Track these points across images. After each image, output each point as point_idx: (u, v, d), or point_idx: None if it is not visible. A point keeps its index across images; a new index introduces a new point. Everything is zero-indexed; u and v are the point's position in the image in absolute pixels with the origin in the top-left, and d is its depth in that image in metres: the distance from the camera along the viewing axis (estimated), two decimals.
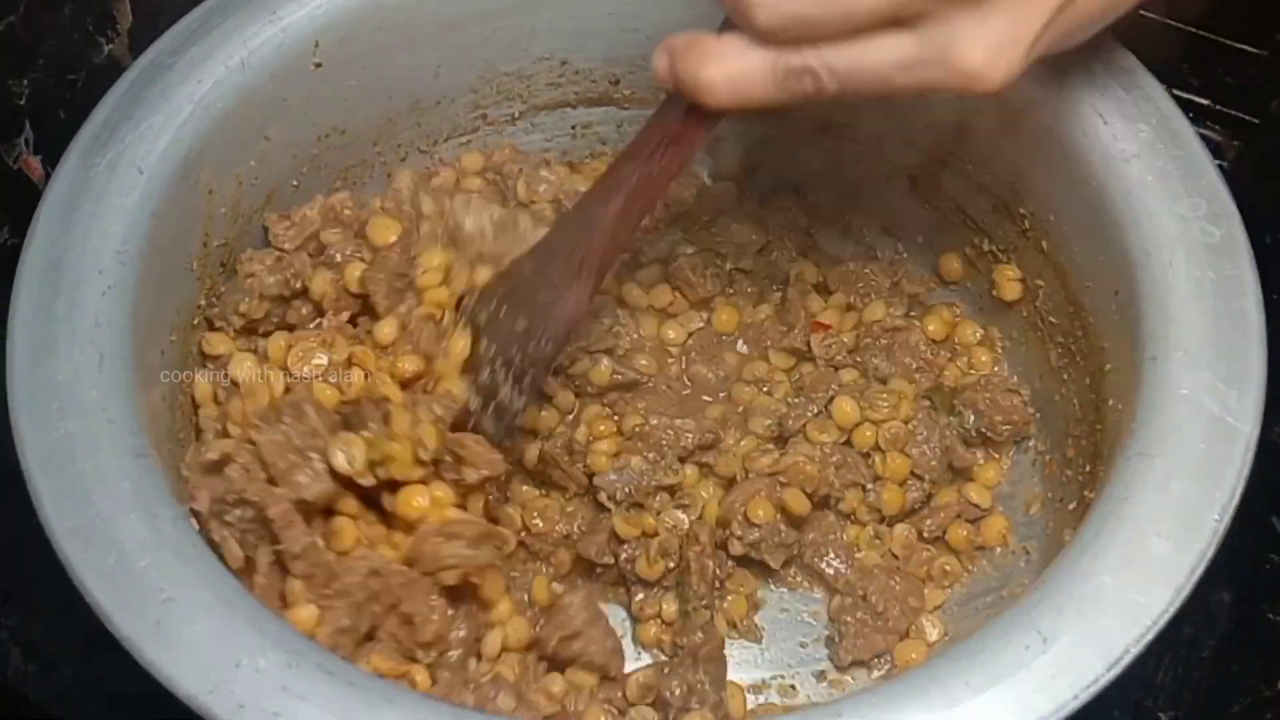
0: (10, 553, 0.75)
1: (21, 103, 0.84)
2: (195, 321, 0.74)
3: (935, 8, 0.56)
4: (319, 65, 0.77)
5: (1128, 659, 0.56)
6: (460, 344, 0.72)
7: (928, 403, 0.80)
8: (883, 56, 0.57)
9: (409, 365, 0.72)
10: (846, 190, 0.87)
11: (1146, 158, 0.69)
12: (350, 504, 0.68)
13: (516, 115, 0.88)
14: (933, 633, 0.76)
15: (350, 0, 0.77)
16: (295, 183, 0.80)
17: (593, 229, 0.69)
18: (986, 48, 0.57)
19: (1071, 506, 0.74)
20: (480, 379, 0.72)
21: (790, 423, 0.78)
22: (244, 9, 0.74)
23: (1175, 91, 0.72)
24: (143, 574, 0.57)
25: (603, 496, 0.76)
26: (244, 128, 0.74)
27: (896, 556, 0.78)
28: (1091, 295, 0.73)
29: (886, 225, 0.88)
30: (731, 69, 0.60)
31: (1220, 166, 0.70)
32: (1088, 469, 0.72)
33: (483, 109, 0.87)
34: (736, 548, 0.75)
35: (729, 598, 0.76)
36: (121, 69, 0.72)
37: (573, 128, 0.90)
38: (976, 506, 0.79)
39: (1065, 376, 0.78)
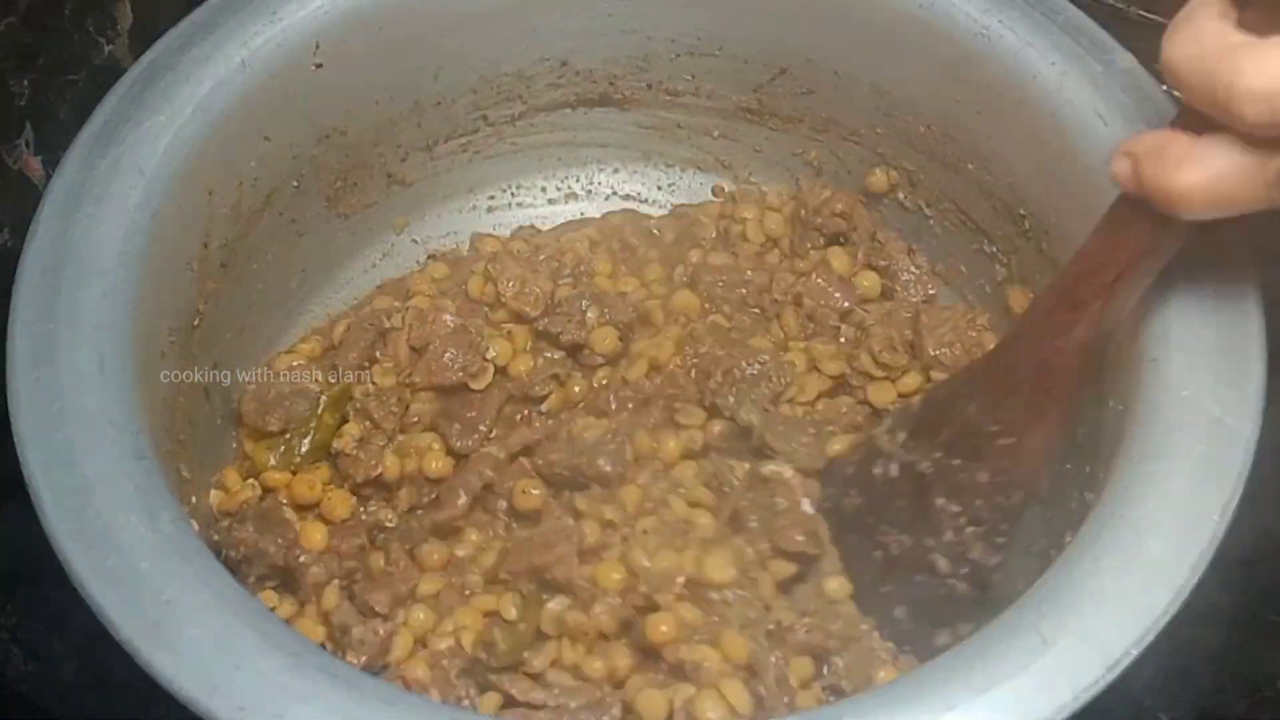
0: (11, 553, 0.75)
1: (22, 103, 0.84)
2: (195, 323, 0.74)
3: None
4: (319, 66, 0.77)
5: (1128, 660, 0.56)
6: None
7: None
8: None
9: None
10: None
11: None
12: None
13: (516, 116, 0.88)
14: None
15: (351, 1, 0.77)
16: (295, 183, 0.80)
17: (1054, 361, 0.63)
18: None
19: (1071, 507, 0.74)
20: (945, 539, 0.67)
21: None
22: (244, 10, 0.74)
23: (1176, 92, 0.72)
24: (143, 575, 0.57)
25: None
26: (244, 128, 0.74)
27: None
28: None
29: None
30: (1212, 173, 0.53)
31: None
32: (1088, 470, 0.72)
33: (483, 110, 0.87)
34: None
35: None
36: (122, 69, 0.72)
37: (573, 128, 0.90)
38: None
39: None
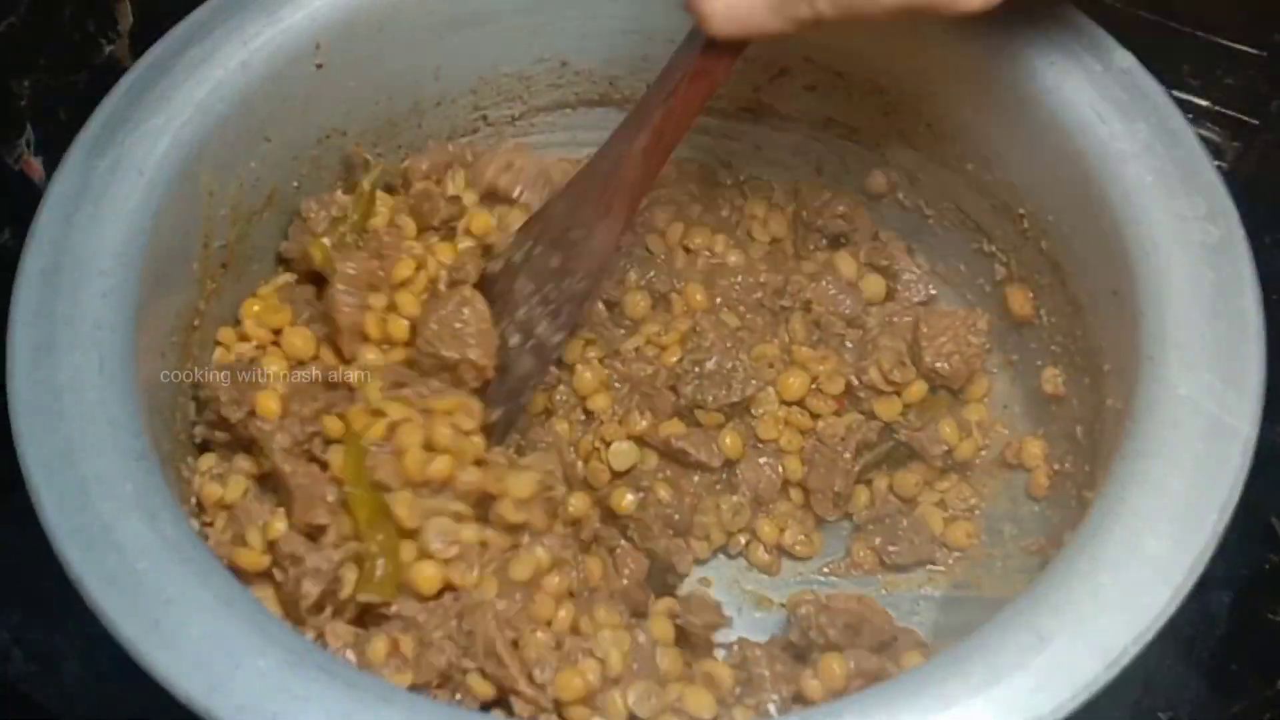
0: (11, 553, 0.75)
1: (22, 103, 0.84)
2: (195, 323, 0.74)
3: None
4: (320, 66, 0.77)
5: (1126, 659, 0.56)
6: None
7: None
8: None
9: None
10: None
11: (1145, 157, 0.69)
12: None
13: (516, 116, 0.88)
14: None
15: (351, 1, 0.77)
16: (296, 184, 0.80)
17: (620, 165, 0.71)
18: None
19: (1070, 506, 0.74)
20: (518, 315, 0.75)
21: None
22: (245, 10, 0.74)
23: (1175, 92, 0.72)
24: (143, 575, 0.57)
25: None
26: (244, 129, 0.74)
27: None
28: (1090, 295, 0.73)
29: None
30: None
31: (1219, 166, 0.70)
32: (1086, 468, 0.72)
33: (483, 110, 0.87)
34: None
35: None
36: (122, 70, 0.72)
37: (573, 128, 0.90)
38: None
39: (1064, 376, 0.78)
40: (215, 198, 0.74)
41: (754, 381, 0.79)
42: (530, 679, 0.67)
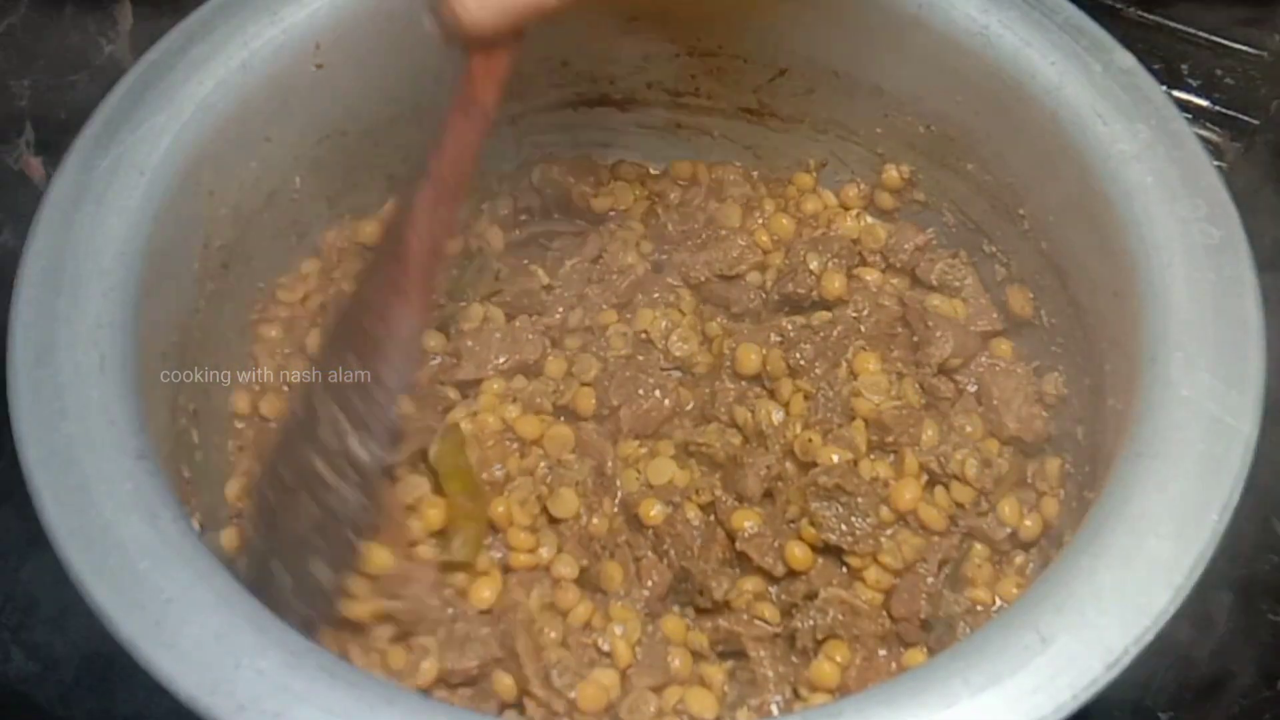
0: (11, 553, 0.75)
1: (22, 103, 0.84)
2: (196, 322, 0.74)
3: None
4: (320, 66, 0.77)
5: (1127, 659, 0.56)
6: None
7: None
8: None
9: None
10: None
11: (1146, 159, 0.69)
12: None
13: (517, 115, 0.88)
14: None
15: (351, 1, 0.77)
16: (296, 184, 0.80)
17: (407, 230, 0.66)
18: None
19: (1071, 506, 0.74)
20: (327, 446, 0.67)
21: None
22: (245, 10, 0.74)
23: (1175, 92, 0.73)
24: (143, 575, 0.57)
25: None
26: (245, 129, 0.74)
27: None
28: (1091, 296, 0.73)
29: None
30: None
31: (1220, 167, 0.70)
32: (1087, 469, 0.72)
33: None
34: None
35: None
36: (122, 70, 0.72)
37: (573, 129, 0.90)
38: None
39: (1065, 377, 0.78)
40: (216, 197, 0.74)
41: (872, 517, 0.74)
42: (547, 681, 0.68)
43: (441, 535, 0.72)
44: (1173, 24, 0.95)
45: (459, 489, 0.73)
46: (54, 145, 0.83)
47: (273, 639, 0.56)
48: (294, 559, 0.66)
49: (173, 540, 0.58)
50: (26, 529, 0.58)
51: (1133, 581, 0.58)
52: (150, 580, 0.57)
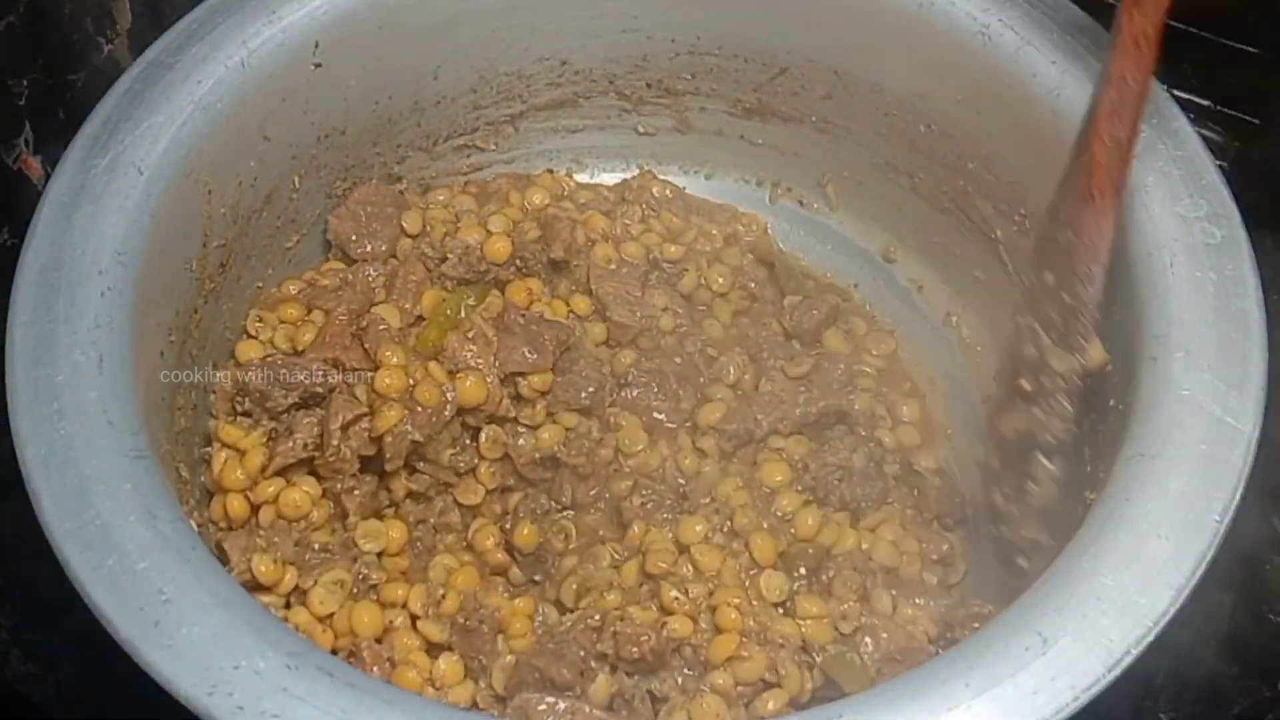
0: (10, 553, 0.75)
1: (21, 103, 0.84)
2: (194, 322, 0.74)
3: None
4: (319, 65, 0.77)
5: (1128, 660, 0.56)
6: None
7: None
8: None
9: None
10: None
11: (1147, 158, 0.69)
12: None
13: (516, 115, 0.88)
14: None
15: (350, 1, 0.77)
16: (295, 183, 0.80)
17: (1090, 141, 0.67)
18: None
19: (1073, 506, 0.74)
20: (1022, 353, 0.72)
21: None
22: (244, 9, 0.74)
23: (1175, 91, 0.72)
24: (142, 575, 0.56)
25: None
26: (244, 128, 0.74)
27: None
28: None
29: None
30: None
31: (1220, 167, 0.70)
32: (1088, 469, 0.72)
33: (482, 109, 0.87)
34: None
35: None
36: (121, 69, 0.72)
37: (572, 129, 0.90)
38: None
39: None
40: (214, 197, 0.74)
41: None
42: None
43: None
44: (1174, 23, 0.94)
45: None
46: (53, 145, 0.83)
47: (271, 640, 0.55)
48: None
49: (171, 541, 0.58)
50: (26, 528, 0.58)
51: (1134, 582, 0.58)
52: (149, 581, 0.56)
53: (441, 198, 0.87)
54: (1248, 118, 0.94)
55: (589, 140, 0.90)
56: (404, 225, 0.83)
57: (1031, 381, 0.72)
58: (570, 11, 0.84)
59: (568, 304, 0.83)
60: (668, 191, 0.89)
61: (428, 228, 0.83)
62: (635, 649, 0.67)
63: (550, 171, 0.90)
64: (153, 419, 0.65)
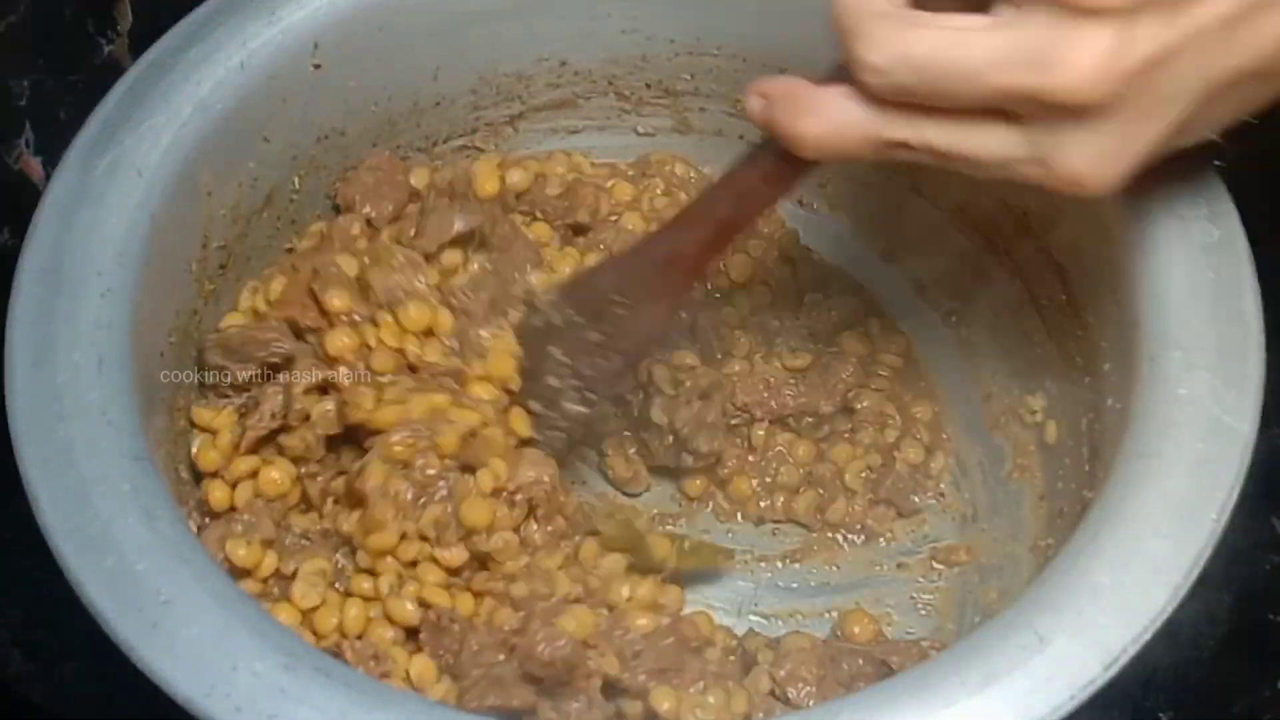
0: (10, 553, 0.75)
1: (22, 103, 0.84)
2: (194, 323, 0.74)
3: (1046, 113, 0.53)
4: (318, 66, 0.77)
5: (1125, 659, 0.56)
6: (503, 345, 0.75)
7: None
8: (986, 145, 0.55)
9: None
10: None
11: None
12: None
13: (516, 115, 0.88)
14: None
15: (350, 1, 0.77)
16: (295, 184, 0.80)
17: (676, 255, 0.70)
18: (1092, 158, 0.54)
19: (1071, 506, 0.74)
20: (546, 383, 0.73)
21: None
22: (244, 10, 0.74)
23: None
24: (141, 576, 0.57)
25: None
26: (243, 129, 0.74)
27: None
28: (1090, 295, 0.73)
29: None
30: (828, 125, 0.57)
31: (1219, 165, 0.70)
32: (1086, 468, 0.72)
33: (482, 109, 0.87)
34: None
35: None
36: (122, 70, 0.72)
37: (572, 130, 0.90)
38: None
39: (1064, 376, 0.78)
40: (214, 198, 0.74)
41: None
42: None
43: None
44: None
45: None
46: (53, 145, 0.83)
47: (270, 641, 0.56)
48: None
49: (170, 542, 0.58)
50: (25, 529, 0.58)
51: (1131, 581, 0.57)
52: (148, 581, 0.57)
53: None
54: (1248, 117, 0.93)
55: (589, 140, 0.90)
56: (412, 182, 0.84)
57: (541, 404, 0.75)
58: (570, 12, 0.84)
59: (582, 257, 0.84)
60: (691, 173, 0.90)
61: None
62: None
63: (565, 152, 0.90)
64: (152, 420, 0.66)
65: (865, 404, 0.83)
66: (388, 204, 0.82)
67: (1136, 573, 0.58)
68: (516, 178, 0.86)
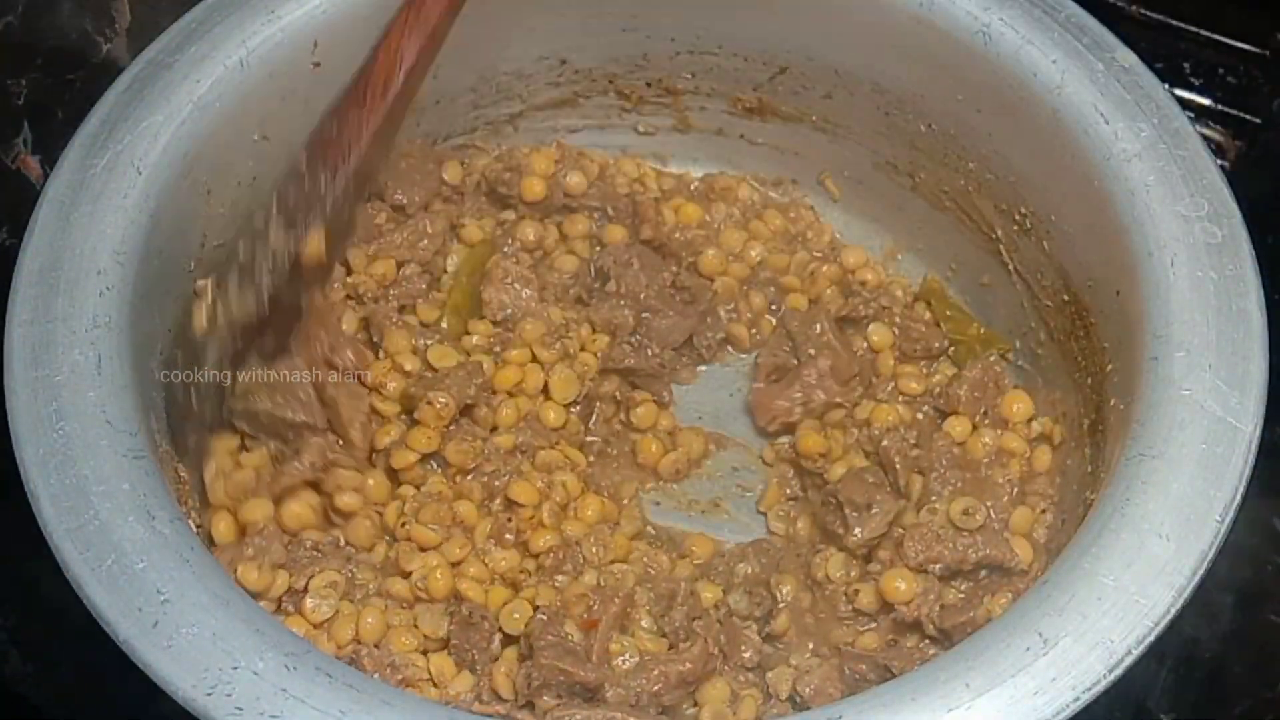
0: (9, 553, 0.75)
1: (20, 102, 0.84)
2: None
3: None
4: (318, 65, 0.77)
5: (1129, 660, 0.56)
6: None
7: None
8: None
9: None
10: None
11: (1148, 157, 0.69)
12: None
13: (516, 115, 0.88)
14: None
15: (349, 0, 0.76)
16: None
17: (375, 49, 0.70)
18: None
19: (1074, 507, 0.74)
20: (251, 220, 0.69)
21: None
22: (243, 8, 0.74)
23: (1177, 90, 0.72)
24: (140, 575, 0.56)
25: None
26: (242, 128, 0.74)
27: None
28: (1093, 295, 0.73)
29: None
30: None
31: (1221, 166, 0.70)
32: (1089, 469, 0.72)
33: (482, 109, 0.87)
34: None
35: None
36: (120, 69, 0.72)
37: (572, 129, 0.90)
38: None
39: (1068, 377, 0.78)
40: (213, 196, 0.74)
41: None
42: None
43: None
44: (1175, 22, 0.94)
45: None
46: (51, 144, 0.83)
47: (270, 640, 0.55)
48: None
49: (170, 541, 0.58)
50: (25, 529, 0.58)
51: (1135, 583, 0.57)
52: (147, 581, 0.56)
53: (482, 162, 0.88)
54: (1249, 117, 0.94)
55: (589, 140, 0.90)
56: (444, 177, 0.85)
57: (247, 251, 0.69)
58: (570, 11, 0.83)
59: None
60: (755, 197, 0.90)
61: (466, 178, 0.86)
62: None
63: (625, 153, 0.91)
64: (151, 419, 0.65)
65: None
66: (418, 191, 0.83)
67: (1140, 574, 0.58)
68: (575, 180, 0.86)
